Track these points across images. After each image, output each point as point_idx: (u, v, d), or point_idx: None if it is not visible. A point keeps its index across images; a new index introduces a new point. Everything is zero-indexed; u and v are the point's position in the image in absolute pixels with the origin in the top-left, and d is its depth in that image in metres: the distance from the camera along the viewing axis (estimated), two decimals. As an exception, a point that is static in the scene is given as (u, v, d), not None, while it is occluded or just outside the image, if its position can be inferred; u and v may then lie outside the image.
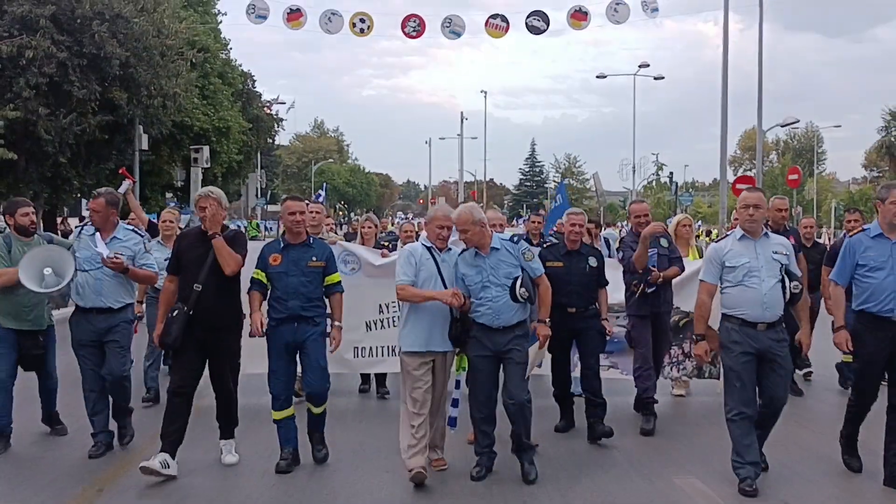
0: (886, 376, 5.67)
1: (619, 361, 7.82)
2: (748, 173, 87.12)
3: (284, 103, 43.15)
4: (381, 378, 8.32)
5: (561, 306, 6.16)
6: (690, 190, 77.64)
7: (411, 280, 5.56)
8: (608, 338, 6.90)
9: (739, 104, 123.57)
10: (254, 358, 6.69)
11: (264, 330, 5.67)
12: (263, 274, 5.75)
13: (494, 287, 5.49)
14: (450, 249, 5.74)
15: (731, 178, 77.63)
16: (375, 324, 7.90)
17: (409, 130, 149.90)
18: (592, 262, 6.77)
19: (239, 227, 6.31)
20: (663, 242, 7.12)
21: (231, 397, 5.90)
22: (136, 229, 6.39)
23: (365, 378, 8.48)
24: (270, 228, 37.33)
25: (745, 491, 5.32)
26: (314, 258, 5.80)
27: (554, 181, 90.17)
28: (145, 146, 22.44)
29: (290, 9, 21.74)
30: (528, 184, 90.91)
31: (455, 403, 5.98)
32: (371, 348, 7.91)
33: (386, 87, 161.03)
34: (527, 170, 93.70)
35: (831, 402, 8.10)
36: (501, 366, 5.60)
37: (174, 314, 5.49)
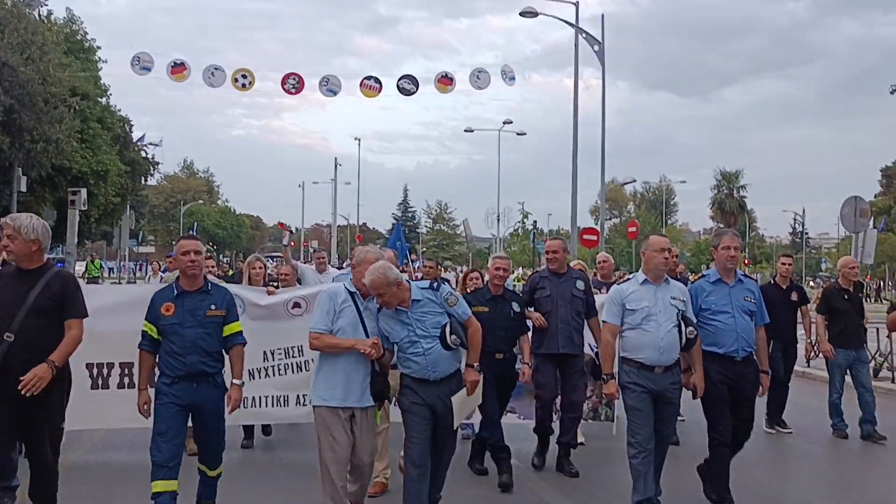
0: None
1: (517, 406, 7.49)
2: (609, 222, 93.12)
3: (159, 145, 43.53)
4: (248, 428, 7.81)
5: (489, 352, 5.88)
6: (547, 238, 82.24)
7: (328, 328, 5.09)
8: (519, 382, 6.81)
9: (597, 155, 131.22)
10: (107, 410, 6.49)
11: (151, 407, 5.08)
12: (154, 328, 5.04)
13: (424, 340, 5.13)
14: (373, 297, 5.21)
15: (592, 225, 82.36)
16: (259, 372, 7.30)
17: (280, 172, 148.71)
18: (515, 307, 6.67)
19: (62, 265, 5.48)
20: (579, 285, 6.97)
21: (50, 470, 4.86)
22: None
23: (248, 431, 7.83)
24: (112, 269, 33.99)
25: None
26: (213, 306, 5.14)
27: (426, 226, 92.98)
28: (24, 188, 22.88)
29: (175, 62, 22.98)
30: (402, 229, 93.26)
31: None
32: (255, 398, 7.28)
33: (257, 127, 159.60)
34: (399, 214, 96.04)
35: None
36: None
37: None
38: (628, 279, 5.90)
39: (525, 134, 47.73)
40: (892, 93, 24.32)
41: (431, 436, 5.22)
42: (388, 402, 5.60)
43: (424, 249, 71.79)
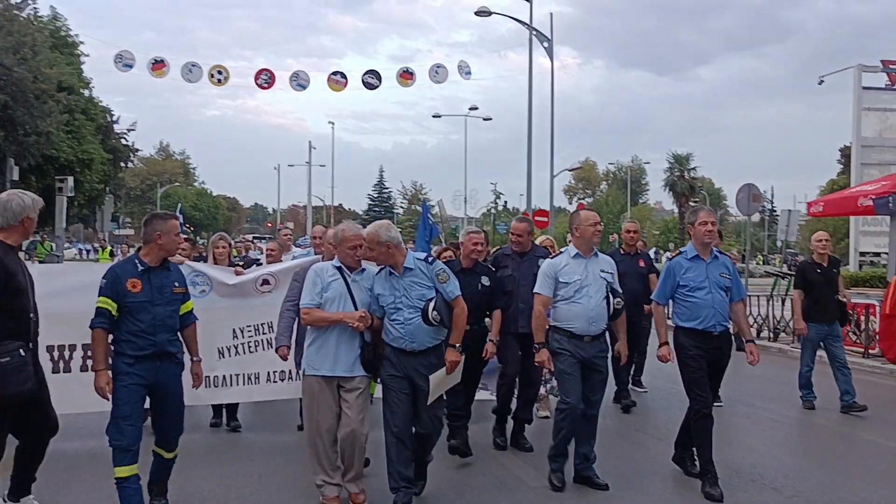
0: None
1: (488, 382, 7.50)
2: (582, 201, 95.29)
3: (133, 129, 45.04)
4: (232, 409, 7.69)
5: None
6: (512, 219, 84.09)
7: (317, 303, 5.23)
8: (486, 358, 6.70)
9: (575, 134, 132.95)
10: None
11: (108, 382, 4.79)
12: (115, 304, 4.77)
13: (407, 309, 5.22)
14: (363, 270, 5.41)
15: (565, 205, 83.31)
16: (229, 350, 7.27)
17: (256, 153, 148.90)
18: (485, 280, 6.62)
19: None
20: (541, 264, 6.59)
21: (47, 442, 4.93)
22: None
23: (217, 410, 7.75)
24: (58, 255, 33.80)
25: (554, 485, 5.73)
26: (176, 283, 5.07)
27: (402, 207, 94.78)
28: (16, 177, 24.69)
29: (155, 59, 24.83)
30: (377, 209, 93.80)
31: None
32: (224, 377, 7.25)
33: (231, 107, 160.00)
34: (375, 195, 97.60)
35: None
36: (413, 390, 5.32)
37: (22, 354, 4.46)
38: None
39: (490, 119, 49.66)
40: (819, 83, 26.38)
41: (411, 405, 5.29)
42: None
43: (400, 229, 73.25)
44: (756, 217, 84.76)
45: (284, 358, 6.38)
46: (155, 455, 5.10)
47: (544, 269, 5.90)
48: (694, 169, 68.75)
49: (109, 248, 38.70)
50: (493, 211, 65.82)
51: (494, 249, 7.99)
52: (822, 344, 8.80)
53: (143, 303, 4.83)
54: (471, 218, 62.44)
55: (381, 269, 5.40)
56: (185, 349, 5.15)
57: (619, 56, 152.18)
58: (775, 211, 69.39)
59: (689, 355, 5.78)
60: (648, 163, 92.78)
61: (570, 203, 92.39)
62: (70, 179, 27.59)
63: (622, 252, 8.85)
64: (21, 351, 4.44)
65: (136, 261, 4.94)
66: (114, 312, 4.79)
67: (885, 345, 11.53)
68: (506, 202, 66.51)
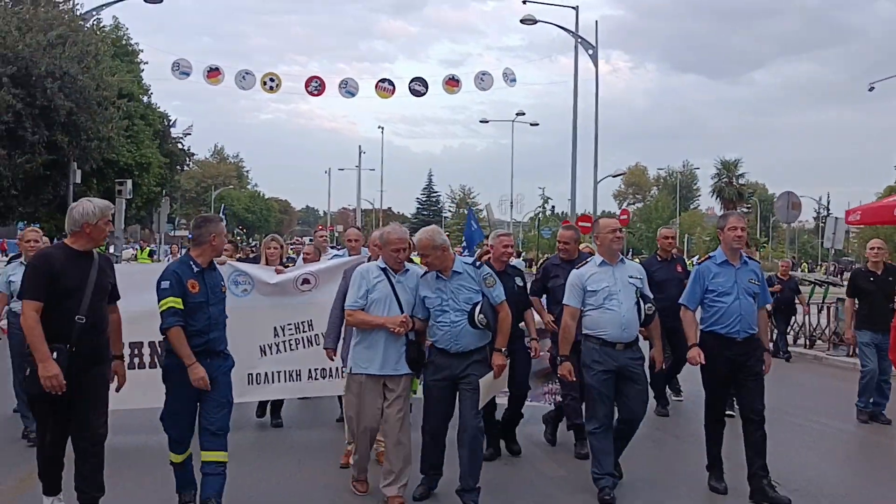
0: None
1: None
2: (632, 206, 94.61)
3: (189, 133, 46.39)
4: (276, 406, 7.87)
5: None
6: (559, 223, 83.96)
7: (361, 305, 5.36)
8: (534, 358, 6.76)
9: (626, 139, 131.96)
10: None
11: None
12: (182, 302, 4.93)
13: (454, 312, 5.32)
14: (407, 270, 5.52)
15: (615, 209, 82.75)
16: (270, 348, 7.38)
17: (308, 156, 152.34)
18: (518, 281, 6.67)
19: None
20: None
21: (102, 451, 4.85)
22: None
23: (260, 406, 7.96)
24: (116, 255, 34.71)
25: (604, 500, 5.55)
26: (223, 283, 5.32)
27: (450, 211, 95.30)
28: (78, 180, 25.78)
29: (210, 67, 25.84)
30: (425, 212, 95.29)
31: None
32: (266, 374, 7.37)
33: (284, 111, 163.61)
34: (423, 199, 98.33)
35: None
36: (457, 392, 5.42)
37: (54, 356, 4.51)
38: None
39: (537, 124, 49.96)
40: (870, 90, 26.13)
41: (451, 408, 5.43)
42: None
43: (448, 233, 73.68)
44: (811, 224, 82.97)
45: (331, 359, 6.47)
46: (204, 469, 5.02)
47: (571, 280, 5.89)
48: (742, 175, 67.97)
49: (149, 248, 39.79)
50: (540, 216, 65.99)
51: (542, 259, 7.90)
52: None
53: (201, 303, 4.98)
54: (517, 222, 62.59)
55: (427, 272, 5.50)
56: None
57: (672, 59, 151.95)
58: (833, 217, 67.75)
59: (710, 359, 5.72)
60: (698, 168, 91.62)
61: (620, 208, 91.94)
62: (129, 182, 28.72)
63: (659, 258, 8.77)
64: (54, 354, 4.50)
65: (191, 262, 5.08)
66: (182, 310, 4.91)
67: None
68: (553, 207, 66.45)
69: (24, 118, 21.30)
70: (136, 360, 7.00)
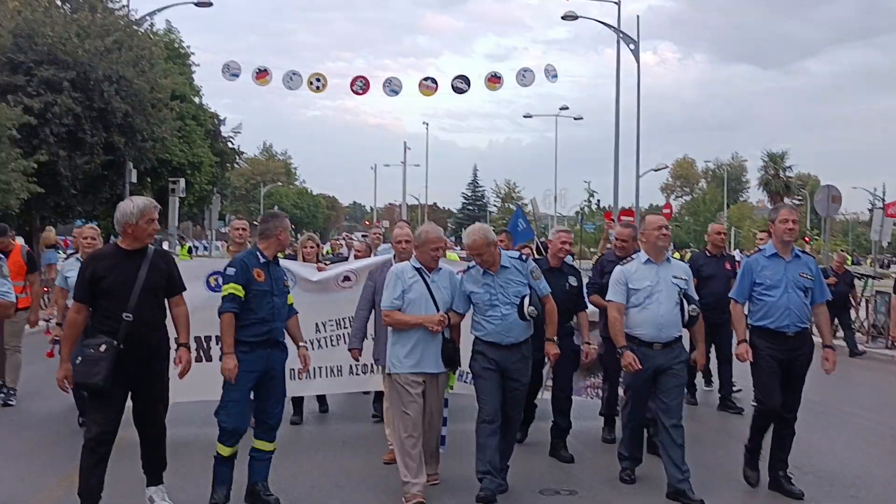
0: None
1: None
2: (680, 199, 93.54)
3: (239, 132, 47.45)
4: (320, 399, 8.17)
5: (540, 324, 5.90)
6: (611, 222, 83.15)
7: (397, 305, 5.43)
8: (584, 360, 6.79)
9: (674, 131, 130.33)
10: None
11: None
12: (243, 291, 5.08)
13: (503, 305, 5.41)
14: (440, 269, 5.58)
15: (663, 203, 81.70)
16: (312, 343, 7.30)
17: (354, 152, 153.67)
18: (572, 280, 6.66)
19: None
20: None
21: (163, 437, 5.11)
22: None
23: (297, 407, 7.98)
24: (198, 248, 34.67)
25: (623, 479, 5.95)
26: (285, 277, 5.47)
27: (495, 205, 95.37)
28: (134, 179, 26.77)
29: (259, 69, 26.57)
30: (470, 207, 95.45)
31: (444, 422, 5.95)
32: (308, 369, 6.98)
33: (331, 107, 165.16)
34: (469, 194, 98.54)
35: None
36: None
37: (102, 349, 4.62)
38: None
39: (581, 118, 50.13)
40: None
41: (502, 395, 5.50)
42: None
43: (493, 228, 73.81)
44: (866, 216, 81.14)
45: (356, 359, 6.69)
46: (254, 454, 5.24)
47: (615, 276, 5.89)
48: (790, 167, 66.76)
49: (188, 245, 40.61)
50: (585, 210, 65.79)
51: (597, 256, 8.14)
52: None
53: (266, 292, 5.15)
54: (562, 216, 62.50)
55: (470, 268, 5.63)
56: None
57: (721, 50, 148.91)
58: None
59: (760, 355, 5.64)
60: (746, 160, 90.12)
61: (668, 201, 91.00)
62: (182, 181, 29.70)
63: (708, 254, 8.68)
64: (102, 347, 4.63)
65: (258, 253, 5.28)
66: (243, 298, 5.07)
67: None
68: (598, 201, 66.07)
69: (83, 121, 22.26)
70: (189, 344, 7.00)
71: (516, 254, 5.79)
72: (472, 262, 5.69)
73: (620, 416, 6.21)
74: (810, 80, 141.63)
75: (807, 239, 25.46)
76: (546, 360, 6.11)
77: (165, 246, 30.63)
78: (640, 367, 5.67)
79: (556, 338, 5.65)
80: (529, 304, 5.39)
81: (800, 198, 63.63)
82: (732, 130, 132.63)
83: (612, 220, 19.41)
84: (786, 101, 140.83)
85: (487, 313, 5.46)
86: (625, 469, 6.00)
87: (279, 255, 5.66)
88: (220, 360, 5.18)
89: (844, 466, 6.67)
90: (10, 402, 8.49)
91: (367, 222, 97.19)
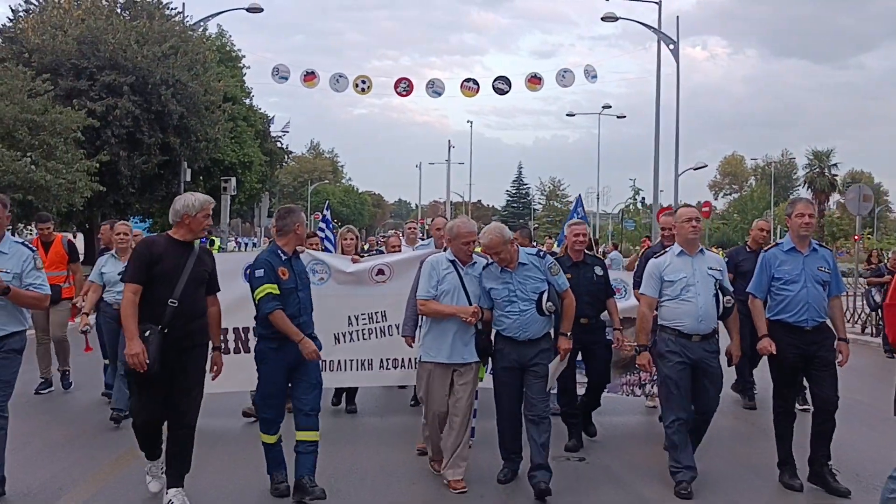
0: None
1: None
2: (728, 197, 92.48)
3: (287, 131, 48.78)
4: (351, 393, 8.02)
5: (574, 318, 5.80)
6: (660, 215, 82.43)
7: (433, 295, 5.52)
8: (616, 348, 6.73)
9: (723, 128, 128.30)
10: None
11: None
12: (277, 290, 5.13)
13: (522, 301, 5.44)
14: (474, 263, 5.64)
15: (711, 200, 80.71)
16: (344, 336, 7.42)
17: (400, 150, 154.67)
18: (598, 270, 6.66)
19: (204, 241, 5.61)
20: None
21: (191, 437, 5.06)
22: (25, 242, 5.36)
23: (337, 393, 8.09)
24: (223, 248, 35.70)
25: (680, 494, 5.43)
26: (307, 271, 5.57)
27: (539, 203, 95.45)
28: (188, 178, 28.01)
29: (306, 71, 27.50)
30: (515, 205, 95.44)
31: (474, 414, 5.90)
32: (340, 362, 7.42)
33: (377, 105, 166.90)
34: (513, 192, 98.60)
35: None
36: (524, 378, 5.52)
37: (147, 335, 4.74)
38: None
39: (624, 117, 49.98)
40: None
41: (521, 392, 5.53)
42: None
43: (537, 226, 74.48)
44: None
45: (410, 346, 6.57)
46: (298, 448, 5.22)
47: (649, 269, 5.81)
48: (835, 165, 65.78)
49: (218, 240, 41.96)
50: (630, 207, 65.54)
51: (643, 249, 8.06)
52: None
53: (291, 289, 5.16)
54: (606, 213, 62.53)
55: (490, 264, 5.60)
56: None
57: (773, 44, 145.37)
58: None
59: (778, 349, 5.58)
60: (793, 157, 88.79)
61: (716, 199, 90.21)
62: (233, 180, 30.78)
63: (748, 249, 8.60)
64: (147, 332, 4.73)
65: (279, 251, 5.25)
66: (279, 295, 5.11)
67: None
68: (643, 198, 65.89)
69: (141, 123, 23.56)
70: (221, 346, 6.82)
71: (534, 250, 5.85)
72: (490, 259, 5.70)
73: (663, 417, 5.83)
74: (864, 75, 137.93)
75: (856, 238, 25.33)
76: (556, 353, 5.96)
77: (217, 241, 31.86)
78: (653, 370, 5.74)
79: (569, 333, 5.66)
80: (548, 300, 5.43)
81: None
82: (782, 127, 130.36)
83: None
84: (839, 96, 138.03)
85: (506, 309, 5.50)
86: (680, 483, 5.52)
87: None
88: (238, 353, 5.66)
89: (874, 463, 6.26)
90: (69, 384, 8.72)
91: (413, 221, 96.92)
